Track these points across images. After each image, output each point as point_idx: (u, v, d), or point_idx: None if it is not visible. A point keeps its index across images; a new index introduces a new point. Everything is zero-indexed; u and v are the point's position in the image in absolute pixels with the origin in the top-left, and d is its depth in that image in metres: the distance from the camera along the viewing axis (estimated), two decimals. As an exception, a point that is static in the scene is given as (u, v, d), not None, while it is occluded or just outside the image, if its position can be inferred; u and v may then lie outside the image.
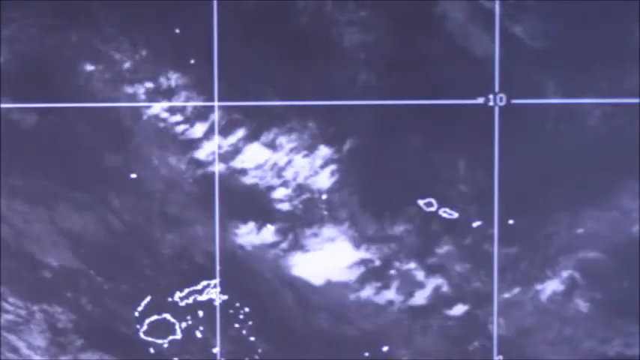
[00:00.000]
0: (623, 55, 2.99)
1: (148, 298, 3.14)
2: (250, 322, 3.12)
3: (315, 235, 3.10)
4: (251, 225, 3.11)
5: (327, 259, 3.09)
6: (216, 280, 3.11)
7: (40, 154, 3.13)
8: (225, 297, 3.12)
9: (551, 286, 3.05)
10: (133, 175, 3.12)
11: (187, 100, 3.10)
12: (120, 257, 3.14)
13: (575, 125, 3.02)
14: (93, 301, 3.15)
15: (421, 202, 3.06)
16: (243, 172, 3.11)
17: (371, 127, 3.06)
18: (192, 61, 3.09)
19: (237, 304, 3.13)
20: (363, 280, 3.10)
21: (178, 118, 3.11)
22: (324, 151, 3.08)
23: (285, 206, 3.10)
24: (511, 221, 3.04)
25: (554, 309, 3.05)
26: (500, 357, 3.06)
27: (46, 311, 3.16)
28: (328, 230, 3.09)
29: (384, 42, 3.06)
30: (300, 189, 3.09)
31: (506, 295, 3.06)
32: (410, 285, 3.08)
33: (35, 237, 3.15)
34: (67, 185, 3.13)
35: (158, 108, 3.12)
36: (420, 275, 3.08)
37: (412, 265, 3.07)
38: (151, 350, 3.15)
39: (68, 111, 3.12)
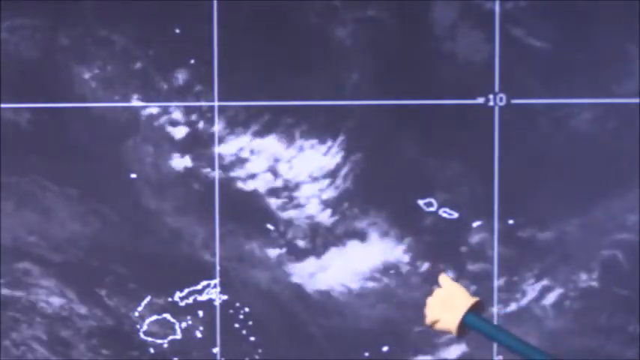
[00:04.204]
0: (623, 55, 2.99)
1: (148, 298, 3.14)
2: (250, 322, 3.12)
3: (315, 235, 3.09)
4: (250, 224, 3.11)
5: (327, 258, 3.09)
6: (216, 280, 3.11)
7: (40, 155, 3.13)
8: (225, 297, 3.12)
9: (551, 286, 3.05)
10: (133, 175, 3.12)
11: (187, 100, 3.10)
12: (120, 257, 3.13)
13: (575, 125, 3.02)
14: (93, 301, 3.14)
15: (421, 202, 3.06)
16: (244, 172, 3.11)
17: (371, 127, 3.06)
18: (192, 61, 3.09)
19: (237, 304, 3.12)
20: (363, 280, 3.09)
21: (178, 118, 3.11)
22: (324, 150, 3.07)
23: (284, 206, 3.09)
24: (511, 221, 3.04)
25: (554, 308, 3.05)
26: (501, 357, 3.06)
27: (46, 311, 3.15)
28: (328, 230, 3.09)
29: (385, 43, 3.06)
30: (301, 188, 3.09)
31: (506, 294, 3.06)
32: (410, 284, 3.08)
33: (36, 237, 3.15)
34: (66, 185, 3.13)
35: (158, 108, 3.11)
36: (420, 275, 3.08)
37: (411, 264, 3.07)
38: (151, 350, 3.14)
39: (68, 111, 3.12)
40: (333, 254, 3.10)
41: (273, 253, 3.11)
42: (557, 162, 3.02)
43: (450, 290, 2.09)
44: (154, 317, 3.13)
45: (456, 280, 3.08)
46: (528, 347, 2.00)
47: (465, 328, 2.06)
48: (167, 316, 3.13)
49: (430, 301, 2.09)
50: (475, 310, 2.07)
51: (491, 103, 3.01)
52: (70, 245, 3.15)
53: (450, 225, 3.06)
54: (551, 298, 3.05)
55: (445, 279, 2.12)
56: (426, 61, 3.04)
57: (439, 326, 2.07)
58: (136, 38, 3.10)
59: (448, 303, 2.08)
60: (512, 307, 3.07)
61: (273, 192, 3.10)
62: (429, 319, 2.09)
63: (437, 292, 2.09)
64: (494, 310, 3.05)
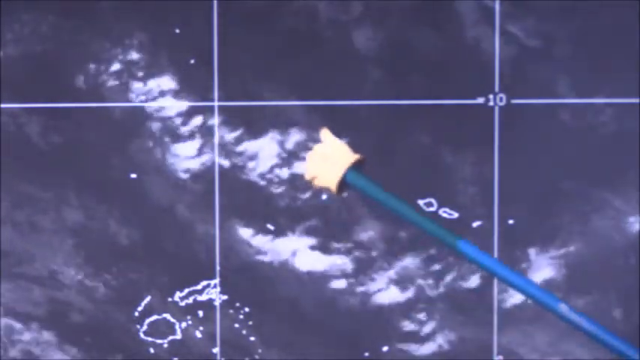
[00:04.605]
0: (623, 55, 2.99)
1: (148, 298, 3.14)
2: (250, 322, 3.13)
3: (316, 233, 3.10)
4: (251, 224, 3.12)
5: (328, 257, 3.10)
6: (216, 280, 3.12)
7: (40, 154, 3.13)
8: (225, 297, 3.13)
9: (551, 284, 3.06)
10: (133, 175, 3.12)
11: (187, 100, 3.10)
12: (120, 257, 3.14)
13: (575, 125, 3.02)
14: (93, 301, 3.15)
15: (421, 202, 3.06)
16: (243, 172, 3.11)
17: (371, 127, 3.06)
18: (192, 61, 3.09)
19: (237, 304, 3.13)
20: (363, 280, 3.10)
21: (178, 117, 3.12)
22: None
23: (285, 205, 3.10)
24: (511, 221, 3.04)
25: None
26: (501, 357, 3.06)
27: (46, 311, 3.16)
28: (329, 228, 3.09)
29: (384, 44, 3.06)
30: (301, 188, 3.09)
31: (506, 293, 3.06)
32: (410, 284, 3.09)
33: (36, 236, 3.15)
34: (65, 185, 3.13)
35: (158, 108, 3.12)
36: (420, 274, 3.08)
37: (412, 263, 3.08)
38: (151, 350, 3.15)
39: (68, 111, 3.12)
40: (334, 254, 3.10)
41: (274, 252, 3.11)
42: (557, 162, 3.02)
43: (331, 146, 1.97)
44: (154, 317, 3.14)
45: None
46: (412, 210, 1.87)
47: (344, 185, 1.95)
48: (167, 316, 3.13)
49: (310, 155, 1.97)
50: (357, 168, 1.96)
51: (491, 103, 3.02)
52: (68, 246, 3.15)
53: (450, 225, 3.06)
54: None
55: (326, 134, 1.99)
56: (425, 61, 3.04)
57: (318, 182, 1.96)
58: (135, 38, 3.10)
59: (329, 159, 1.97)
60: (513, 306, 3.07)
61: (275, 191, 3.10)
62: (308, 174, 1.97)
63: (317, 147, 1.96)
64: (495, 310, 3.05)
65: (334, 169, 1.94)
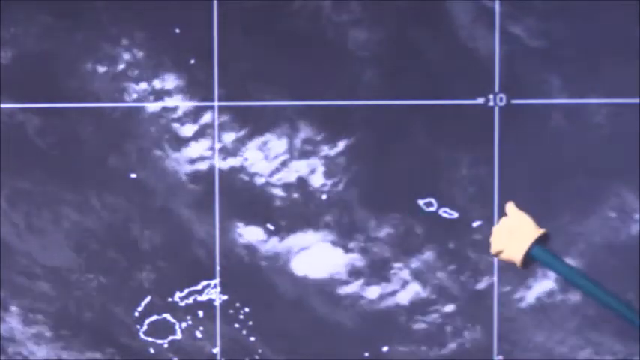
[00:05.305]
0: (623, 55, 2.99)
1: (148, 298, 3.14)
2: (250, 322, 3.13)
3: (315, 233, 3.10)
4: (250, 224, 3.11)
5: (327, 258, 3.10)
6: (216, 280, 3.11)
7: (40, 154, 3.13)
8: (225, 297, 3.13)
9: (551, 284, 3.05)
10: (133, 175, 3.12)
11: (187, 100, 3.10)
12: (120, 257, 3.14)
13: (575, 125, 3.02)
14: (93, 301, 3.15)
15: (421, 202, 3.06)
16: (243, 172, 3.11)
17: (371, 127, 3.06)
18: (192, 61, 3.09)
19: (237, 304, 3.13)
20: (363, 280, 3.10)
21: (178, 117, 3.12)
22: (324, 150, 3.08)
23: (285, 205, 3.10)
24: (511, 221, 3.04)
25: (553, 306, 3.05)
26: (501, 357, 3.06)
27: (47, 311, 3.16)
28: (328, 229, 3.09)
29: (384, 44, 3.06)
30: (300, 188, 3.09)
31: (506, 293, 3.06)
32: (411, 283, 3.09)
33: (36, 237, 3.15)
34: (66, 185, 3.13)
35: (158, 108, 3.12)
36: (419, 274, 3.08)
37: (412, 264, 3.08)
38: (151, 350, 3.15)
39: (68, 111, 3.12)
40: (334, 254, 3.10)
41: (273, 253, 3.11)
42: (557, 162, 3.02)
43: (517, 220, 2.04)
44: (154, 317, 3.14)
45: (456, 275, 3.08)
46: (596, 286, 1.94)
47: (529, 259, 2.01)
48: (167, 316, 3.13)
49: (496, 229, 2.03)
50: (542, 242, 2.02)
51: (491, 103, 3.01)
52: (69, 246, 3.15)
53: (450, 225, 3.06)
54: (550, 299, 3.05)
55: (512, 208, 2.06)
56: (425, 61, 3.04)
57: (503, 256, 2.02)
58: (136, 38, 3.10)
59: (514, 233, 2.02)
60: (513, 306, 3.07)
61: (275, 192, 3.10)
62: (493, 249, 2.02)
63: (503, 221, 2.03)
64: (495, 310, 3.05)
65: (520, 243, 2.00)
